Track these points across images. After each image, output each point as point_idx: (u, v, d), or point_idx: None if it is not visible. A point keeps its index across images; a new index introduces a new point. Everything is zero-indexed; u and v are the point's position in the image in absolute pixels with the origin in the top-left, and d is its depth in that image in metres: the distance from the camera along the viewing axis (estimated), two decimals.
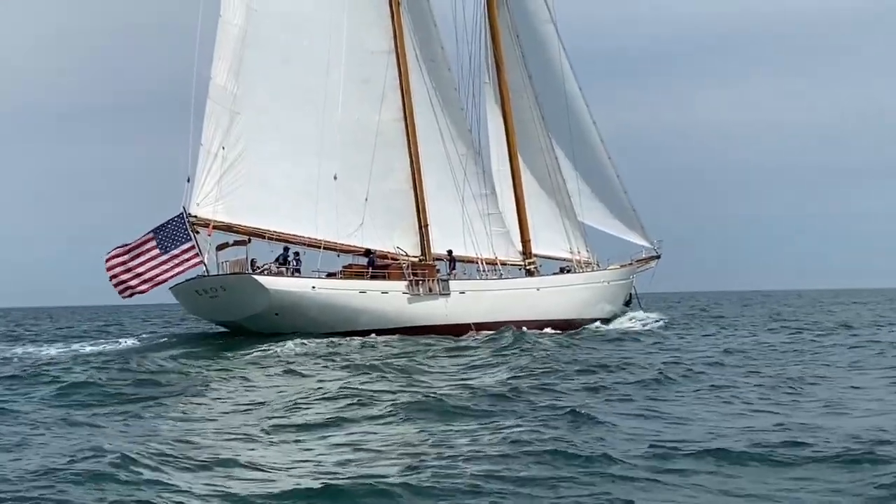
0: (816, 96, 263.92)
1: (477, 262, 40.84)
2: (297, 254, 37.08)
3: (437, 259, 40.67)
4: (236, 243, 36.22)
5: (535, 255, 44.80)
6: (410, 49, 41.41)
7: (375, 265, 38.15)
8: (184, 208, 34.86)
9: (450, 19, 43.87)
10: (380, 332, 36.13)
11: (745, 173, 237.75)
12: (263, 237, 36.54)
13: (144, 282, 34.32)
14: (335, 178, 38.25)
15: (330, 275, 37.58)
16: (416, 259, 39.84)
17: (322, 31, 39.44)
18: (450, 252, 39.84)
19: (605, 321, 44.39)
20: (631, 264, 47.37)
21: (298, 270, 37.15)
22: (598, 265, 46.57)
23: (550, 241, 45.30)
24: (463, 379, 21.46)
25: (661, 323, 44.13)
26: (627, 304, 47.83)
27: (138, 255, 34.23)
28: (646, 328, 42.03)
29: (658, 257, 49.14)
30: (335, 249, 37.80)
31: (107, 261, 34.50)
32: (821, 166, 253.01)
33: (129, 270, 34.22)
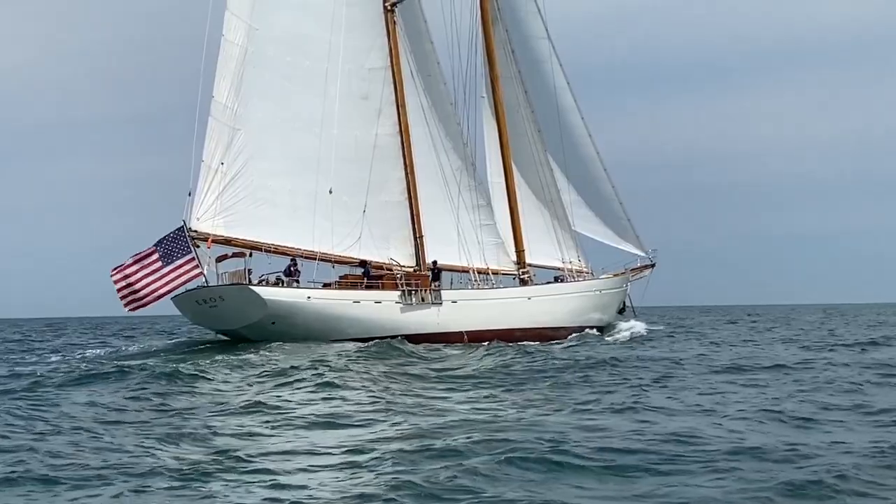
0: None
1: (470, 272, 42.26)
2: (295, 264, 38.62)
3: (432, 269, 42.19)
4: (235, 255, 37.81)
5: (529, 265, 46.19)
6: (406, 66, 42.93)
7: (370, 276, 39.68)
8: (184, 221, 36.50)
9: (448, 36, 45.42)
10: (372, 339, 37.59)
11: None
12: (261, 249, 38.13)
13: (148, 294, 35.93)
14: (330, 192, 39.81)
15: (326, 285, 39.12)
16: (411, 269, 41.39)
17: (321, 50, 41.01)
18: (434, 263, 41.27)
19: (599, 329, 45.78)
20: (624, 273, 48.65)
21: (298, 281, 38.76)
22: (592, 274, 47.92)
23: (544, 251, 46.70)
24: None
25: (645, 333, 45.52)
26: (621, 312, 49.10)
27: (142, 269, 35.84)
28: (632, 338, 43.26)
29: (653, 266, 50.40)
30: (329, 260, 39.36)
31: (112, 275, 36.14)
32: None
33: (133, 283, 35.83)
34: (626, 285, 49.00)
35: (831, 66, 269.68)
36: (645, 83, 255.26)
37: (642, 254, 50.28)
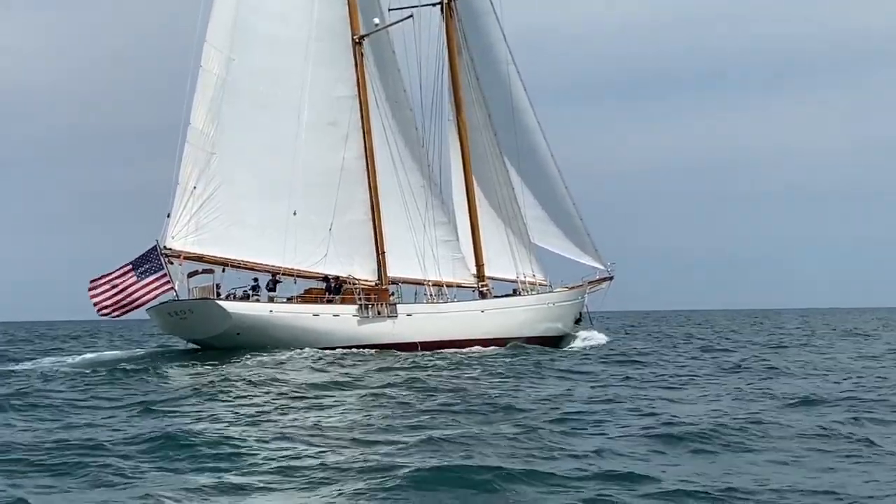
0: None
1: (425, 286, 45.82)
2: (258, 281, 42.34)
3: (393, 283, 45.83)
4: (205, 271, 41.51)
5: (489, 279, 49.69)
6: (373, 94, 46.37)
7: (337, 290, 43.36)
8: (157, 241, 40.23)
9: (417, 64, 48.83)
10: (332, 349, 41.21)
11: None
12: (230, 266, 41.80)
13: (123, 304, 39.77)
14: (294, 213, 43.38)
15: (289, 299, 42.81)
16: (373, 284, 44.98)
17: (293, 80, 44.49)
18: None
19: (555, 339, 49.24)
20: (580, 286, 52.02)
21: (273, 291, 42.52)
22: (550, 287, 51.35)
23: (501, 264, 50.16)
24: None
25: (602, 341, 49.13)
26: (578, 322, 52.49)
27: (119, 283, 39.62)
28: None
29: (611, 279, 53.80)
30: (292, 275, 43.00)
31: (90, 285, 39.96)
32: None
33: (110, 295, 39.65)
34: (583, 297, 52.37)
35: None
36: None
37: (601, 267, 53.66)
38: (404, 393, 24.48)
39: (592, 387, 26.46)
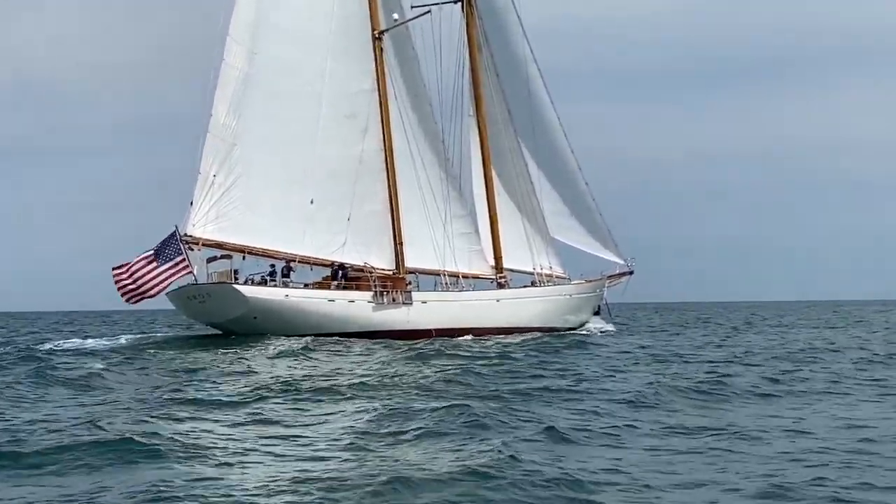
0: None
1: (441, 276, 46.70)
2: (274, 267, 43.46)
3: (410, 273, 46.78)
4: (223, 257, 42.67)
5: (507, 270, 50.47)
6: (392, 88, 47.40)
7: (348, 277, 44.37)
8: (176, 227, 41.42)
9: (438, 60, 49.81)
10: (348, 335, 42.18)
11: None
12: (247, 252, 42.88)
13: (145, 290, 40.95)
14: (311, 202, 44.41)
15: (306, 285, 43.88)
16: (390, 273, 45.91)
17: (313, 74, 45.62)
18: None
19: (569, 330, 49.94)
20: (599, 280, 52.69)
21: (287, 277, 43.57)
22: (568, 279, 52.04)
23: (520, 257, 50.92)
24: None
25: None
26: (596, 314, 53.18)
27: (140, 270, 40.81)
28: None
29: (631, 273, 54.44)
30: (308, 263, 44.06)
31: (114, 272, 41.20)
32: None
33: (131, 281, 40.88)
34: (601, 290, 53.03)
35: None
36: None
37: (621, 262, 54.30)
38: None
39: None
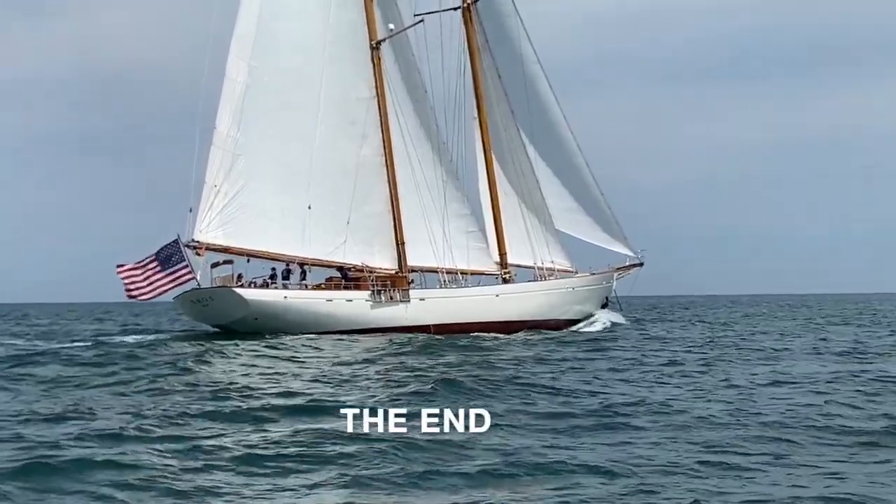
0: None
1: (439, 273, 48.54)
2: (275, 270, 45.75)
3: (413, 271, 48.68)
4: (226, 262, 45.05)
5: (512, 266, 52.11)
6: (391, 94, 49.25)
7: (349, 277, 46.47)
8: (178, 235, 43.89)
9: (440, 64, 51.64)
10: (348, 332, 44.16)
11: None
12: (250, 256, 45.19)
13: (148, 290, 43.52)
14: (309, 207, 46.48)
15: (305, 286, 46.03)
16: (392, 272, 47.85)
17: (313, 82, 47.58)
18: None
19: (575, 322, 51.43)
20: (605, 272, 54.00)
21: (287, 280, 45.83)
22: (575, 272, 53.45)
23: (521, 252, 52.50)
24: None
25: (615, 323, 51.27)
26: (605, 306, 54.49)
27: (144, 272, 43.40)
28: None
29: (641, 265, 55.63)
30: (308, 264, 46.22)
31: (118, 269, 43.81)
32: None
33: (136, 279, 43.48)
34: (609, 282, 54.30)
35: None
36: None
37: (631, 254, 55.55)
38: None
39: None
